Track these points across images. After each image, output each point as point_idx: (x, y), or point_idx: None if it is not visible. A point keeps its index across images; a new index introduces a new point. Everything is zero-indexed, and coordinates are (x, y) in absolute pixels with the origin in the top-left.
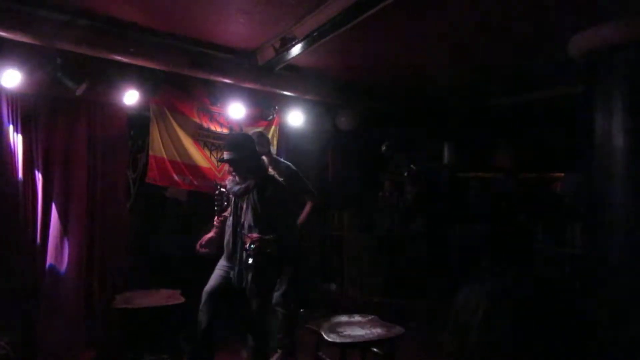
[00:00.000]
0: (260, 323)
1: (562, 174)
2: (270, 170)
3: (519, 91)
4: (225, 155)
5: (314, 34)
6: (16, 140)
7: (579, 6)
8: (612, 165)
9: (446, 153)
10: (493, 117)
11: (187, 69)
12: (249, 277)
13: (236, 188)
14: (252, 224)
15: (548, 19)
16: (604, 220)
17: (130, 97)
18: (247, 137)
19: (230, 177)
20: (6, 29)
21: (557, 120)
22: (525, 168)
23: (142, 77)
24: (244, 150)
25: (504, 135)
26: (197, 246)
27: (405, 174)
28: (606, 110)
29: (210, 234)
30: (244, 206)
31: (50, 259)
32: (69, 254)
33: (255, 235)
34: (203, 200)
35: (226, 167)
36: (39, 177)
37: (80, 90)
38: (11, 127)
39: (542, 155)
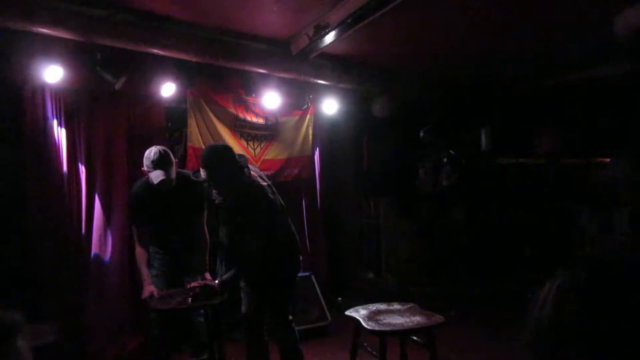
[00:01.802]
0: (283, 316)
1: (608, 159)
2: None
3: (560, 73)
4: (172, 174)
5: (348, 21)
6: (60, 135)
7: None
8: None
9: (484, 139)
10: (533, 101)
11: (222, 60)
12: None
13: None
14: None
15: None
16: None
17: (167, 89)
18: (218, 152)
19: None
20: (46, 25)
21: (602, 102)
22: (567, 153)
23: (178, 70)
24: (216, 166)
25: (544, 120)
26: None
27: (445, 160)
28: None
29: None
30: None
31: (95, 249)
32: (112, 244)
33: (197, 283)
34: None
35: (264, 156)
36: (82, 169)
37: (119, 84)
38: (55, 122)
39: (585, 139)
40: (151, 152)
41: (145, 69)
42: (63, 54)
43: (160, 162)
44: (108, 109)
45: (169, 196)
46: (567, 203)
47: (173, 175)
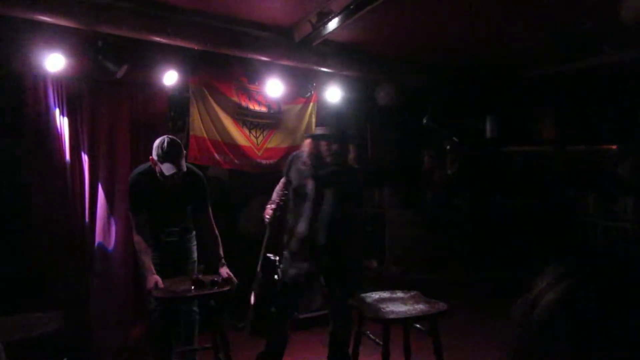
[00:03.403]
0: (343, 309)
1: (614, 147)
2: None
3: (564, 60)
4: (183, 167)
5: (351, 7)
6: (62, 123)
7: None
8: None
9: (489, 126)
10: (537, 89)
11: (225, 48)
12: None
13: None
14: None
15: None
16: None
17: (170, 77)
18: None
19: (305, 155)
20: (49, 13)
21: (607, 90)
22: (572, 141)
23: (180, 58)
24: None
25: (548, 107)
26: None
27: (448, 147)
28: None
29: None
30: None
31: (98, 238)
32: (116, 233)
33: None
34: (243, 179)
35: (266, 145)
36: (85, 158)
37: (121, 72)
38: (57, 111)
39: (590, 127)
40: (164, 143)
41: (147, 57)
42: (65, 42)
43: (172, 154)
44: (110, 98)
45: (170, 188)
46: (571, 191)
47: (184, 167)
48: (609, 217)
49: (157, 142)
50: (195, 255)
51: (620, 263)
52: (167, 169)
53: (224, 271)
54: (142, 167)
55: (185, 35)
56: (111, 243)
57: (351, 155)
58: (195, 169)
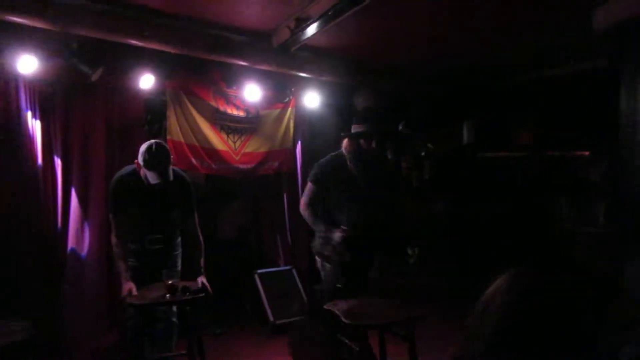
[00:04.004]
0: None
1: (587, 152)
2: None
3: (541, 67)
4: (169, 176)
5: (329, 13)
6: (35, 126)
7: None
8: (637, 143)
9: (466, 132)
10: (514, 95)
11: (202, 52)
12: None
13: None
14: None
15: None
16: (628, 200)
17: (146, 81)
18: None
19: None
20: (21, 14)
21: (582, 97)
22: (548, 146)
23: (157, 61)
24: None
25: (526, 114)
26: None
27: (423, 154)
28: (631, 85)
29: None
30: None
31: (71, 244)
32: (90, 239)
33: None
34: (220, 184)
35: (244, 149)
36: (58, 162)
37: (96, 75)
38: (29, 113)
39: (565, 133)
40: (151, 149)
41: (123, 60)
42: (37, 44)
43: (157, 163)
44: (85, 101)
45: (155, 192)
46: (547, 196)
47: (170, 176)
48: (582, 223)
49: (143, 146)
50: (179, 264)
51: (571, 276)
52: (152, 177)
53: (200, 280)
54: (126, 168)
55: (162, 38)
56: (84, 249)
57: (390, 151)
58: (182, 172)
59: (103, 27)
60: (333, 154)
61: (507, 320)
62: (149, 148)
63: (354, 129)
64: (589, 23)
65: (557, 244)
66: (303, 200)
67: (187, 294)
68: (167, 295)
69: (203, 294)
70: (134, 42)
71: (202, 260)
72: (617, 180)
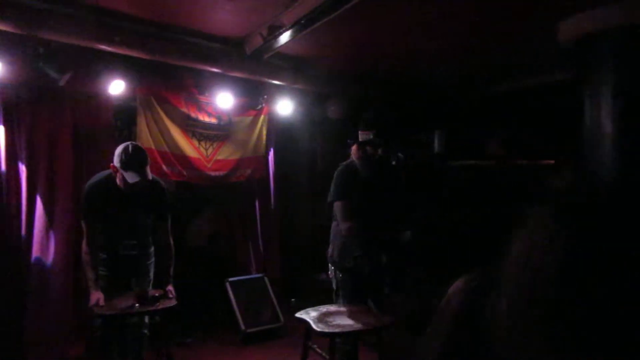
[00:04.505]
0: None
1: (553, 162)
2: None
3: (512, 78)
4: (148, 175)
5: (302, 22)
6: None
7: None
8: (600, 153)
9: (437, 141)
10: (485, 105)
11: (174, 58)
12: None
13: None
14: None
15: (538, 5)
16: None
17: (116, 87)
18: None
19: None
20: None
21: (549, 108)
22: (516, 156)
23: (128, 67)
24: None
25: (495, 124)
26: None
27: (393, 162)
28: (595, 97)
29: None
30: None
31: (35, 253)
32: (55, 248)
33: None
34: (190, 191)
35: (216, 156)
36: (22, 169)
37: (63, 80)
38: None
39: (533, 143)
40: (127, 149)
41: (92, 65)
42: (2, 47)
43: (135, 162)
44: (52, 106)
45: (130, 197)
46: (514, 205)
47: (149, 175)
48: None
49: (119, 148)
50: (152, 274)
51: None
52: (130, 177)
53: (169, 289)
54: (100, 174)
55: (133, 44)
56: (50, 258)
57: (395, 158)
58: (157, 177)
59: (72, 32)
60: (344, 162)
61: (459, 324)
62: (126, 148)
63: (361, 135)
64: (555, 36)
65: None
66: (344, 222)
67: (157, 303)
68: (136, 305)
69: (174, 303)
70: (103, 47)
71: (171, 269)
72: (581, 189)
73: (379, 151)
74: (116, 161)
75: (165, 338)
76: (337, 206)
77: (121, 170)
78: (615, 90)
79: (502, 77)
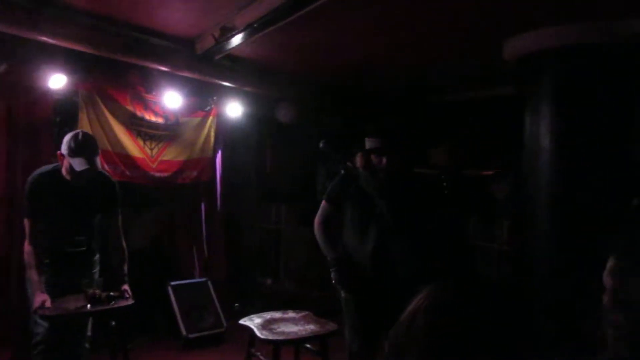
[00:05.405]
0: None
1: (493, 172)
2: None
3: (458, 90)
4: (98, 165)
5: (255, 25)
6: None
7: (513, 12)
8: (538, 166)
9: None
10: (433, 115)
11: (120, 54)
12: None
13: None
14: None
15: (484, 22)
16: (530, 219)
17: (57, 80)
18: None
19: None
20: None
21: (492, 120)
22: (460, 165)
23: (70, 60)
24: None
25: (443, 132)
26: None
27: (342, 171)
28: (535, 112)
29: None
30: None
31: None
32: None
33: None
34: (135, 192)
35: (161, 157)
36: None
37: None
38: None
39: (476, 153)
40: (77, 136)
41: (32, 57)
42: None
43: (85, 148)
44: None
45: (78, 190)
46: (459, 214)
47: (98, 166)
48: (488, 239)
49: (68, 136)
50: (97, 270)
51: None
52: (78, 164)
53: (124, 288)
54: (45, 167)
55: (77, 37)
56: None
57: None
58: (107, 172)
59: (8, 21)
60: (345, 168)
61: (432, 341)
62: (76, 135)
63: (367, 142)
64: (500, 53)
65: (468, 259)
66: (316, 220)
67: (113, 302)
68: (88, 306)
69: (132, 302)
70: (44, 38)
71: (125, 267)
72: (520, 199)
73: (384, 160)
74: (64, 148)
75: (124, 342)
76: (321, 206)
77: (69, 158)
78: (553, 107)
79: (451, 88)
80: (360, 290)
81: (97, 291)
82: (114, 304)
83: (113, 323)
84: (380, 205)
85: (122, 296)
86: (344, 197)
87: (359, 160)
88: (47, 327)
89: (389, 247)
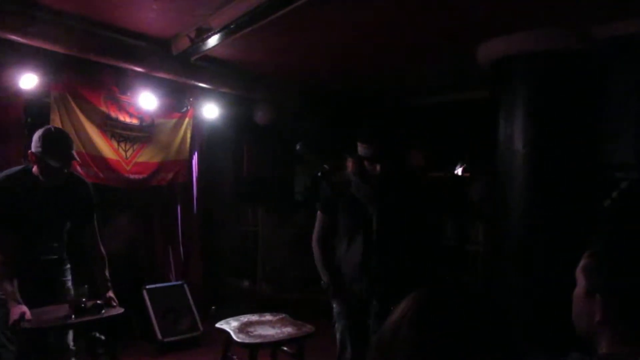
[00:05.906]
0: None
1: (468, 174)
2: None
3: (435, 93)
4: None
5: (231, 26)
6: None
7: (488, 16)
8: (512, 169)
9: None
10: (409, 118)
11: (94, 54)
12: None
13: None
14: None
15: (459, 26)
16: (503, 221)
17: (28, 81)
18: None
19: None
20: None
21: (468, 123)
22: (435, 168)
23: (43, 60)
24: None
25: (418, 135)
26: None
27: (319, 174)
28: (509, 115)
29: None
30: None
31: None
32: None
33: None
34: (109, 194)
35: (136, 159)
36: None
37: None
38: None
39: (451, 156)
40: (49, 132)
41: (1, 57)
42: None
43: (58, 146)
44: None
45: (51, 192)
46: (434, 215)
47: (75, 157)
48: (464, 241)
49: (39, 132)
50: (70, 278)
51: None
52: (53, 160)
53: (109, 296)
54: (12, 170)
55: (49, 37)
56: None
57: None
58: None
59: None
60: (337, 173)
61: (419, 349)
62: (47, 130)
63: (359, 147)
64: (474, 57)
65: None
66: (314, 235)
67: (103, 311)
68: (73, 317)
69: (120, 311)
70: (14, 37)
71: (106, 273)
72: (494, 202)
73: (377, 167)
74: (35, 146)
75: (114, 353)
76: (317, 217)
77: (42, 155)
78: (526, 111)
79: (427, 91)
80: (352, 306)
81: (83, 300)
82: (104, 313)
83: (97, 334)
84: (372, 212)
85: (109, 304)
86: (337, 204)
87: (350, 166)
88: (17, 351)
89: (378, 257)
